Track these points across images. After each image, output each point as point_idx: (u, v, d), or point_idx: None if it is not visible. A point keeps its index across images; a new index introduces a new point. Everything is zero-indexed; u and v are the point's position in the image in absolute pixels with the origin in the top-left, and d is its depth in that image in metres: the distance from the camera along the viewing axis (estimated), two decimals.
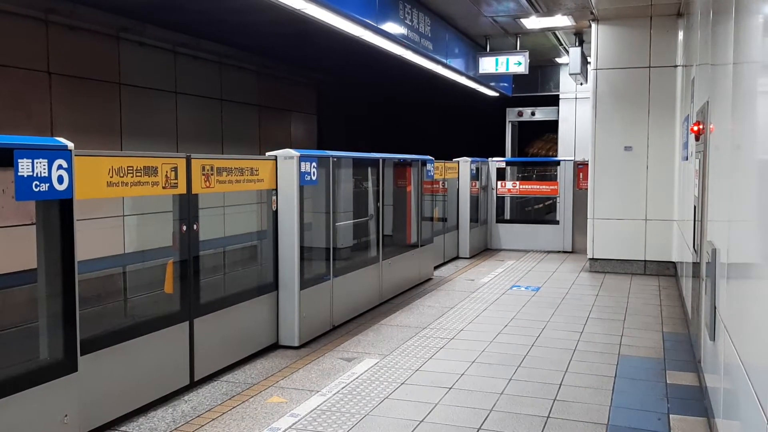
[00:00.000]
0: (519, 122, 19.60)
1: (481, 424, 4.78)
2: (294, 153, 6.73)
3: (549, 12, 11.69)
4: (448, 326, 7.61)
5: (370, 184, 9.28)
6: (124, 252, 8.36)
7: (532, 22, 12.36)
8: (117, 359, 4.84)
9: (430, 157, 11.02)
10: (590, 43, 11.75)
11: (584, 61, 13.42)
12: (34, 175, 3.89)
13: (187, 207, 5.51)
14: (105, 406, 4.74)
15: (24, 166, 3.83)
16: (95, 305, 6.46)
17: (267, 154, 6.80)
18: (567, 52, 14.81)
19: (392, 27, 9.45)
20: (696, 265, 6.28)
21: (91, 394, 4.49)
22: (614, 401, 5.25)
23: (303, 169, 6.78)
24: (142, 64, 11.00)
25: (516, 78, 16.90)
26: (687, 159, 8.46)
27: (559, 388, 5.55)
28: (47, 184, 3.98)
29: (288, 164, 6.71)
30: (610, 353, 6.58)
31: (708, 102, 5.53)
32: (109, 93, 10.41)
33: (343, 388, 5.52)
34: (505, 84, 16.66)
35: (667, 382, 5.75)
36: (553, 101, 18.03)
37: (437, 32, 11.46)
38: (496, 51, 13.60)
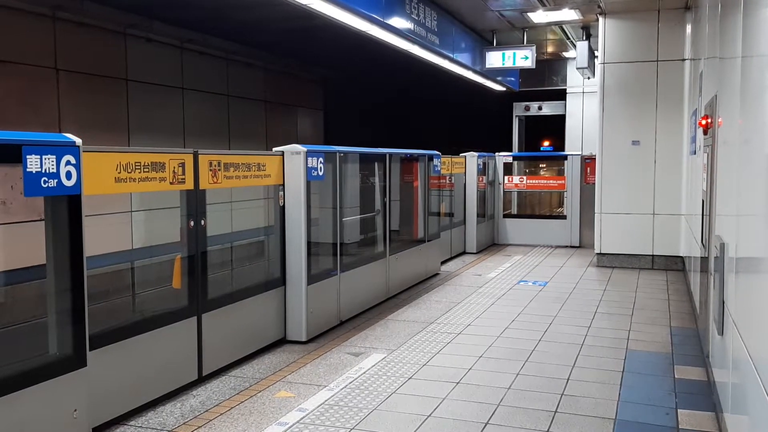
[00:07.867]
0: (526, 117, 19.56)
1: (489, 419, 4.79)
2: (301, 148, 6.74)
3: (556, 6, 11.65)
4: (456, 321, 7.61)
5: (377, 179, 9.27)
6: (132, 247, 8.38)
7: (539, 16, 12.31)
8: (126, 354, 4.87)
9: (437, 152, 11.01)
10: (597, 37, 11.71)
11: (591, 55, 13.37)
12: (43, 171, 3.90)
13: (195, 202, 5.53)
14: (114, 400, 4.76)
15: (32, 162, 3.84)
16: (104, 301, 6.49)
17: (274, 149, 6.81)
18: (574, 46, 14.76)
19: (399, 22, 9.43)
20: (704, 260, 6.25)
21: (100, 389, 4.51)
22: (622, 396, 5.25)
23: (310, 165, 6.79)
24: (149, 61, 11.02)
25: (523, 72, 16.85)
26: (695, 153, 8.43)
27: (567, 382, 5.55)
28: (55, 180, 3.99)
29: (295, 160, 6.73)
30: (617, 348, 6.57)
31: (716, 96, 5.50)
32: (116, 89, 10.44)
33: (350, 382, 5.54)
34: (512, 78, 16.61)
35: (675, 376, 5.74)
36: (561, 96, 17.98)
37: (444, 27, 11.43)
38: (502, 45, 13.55)
